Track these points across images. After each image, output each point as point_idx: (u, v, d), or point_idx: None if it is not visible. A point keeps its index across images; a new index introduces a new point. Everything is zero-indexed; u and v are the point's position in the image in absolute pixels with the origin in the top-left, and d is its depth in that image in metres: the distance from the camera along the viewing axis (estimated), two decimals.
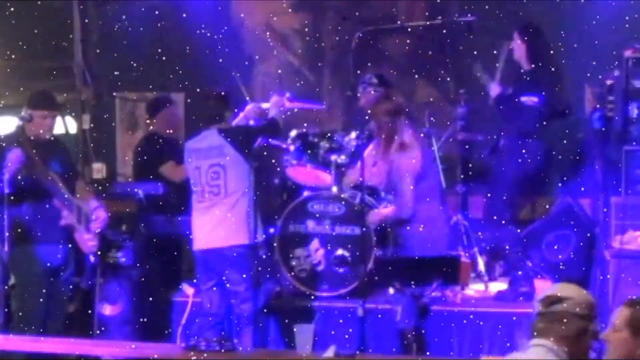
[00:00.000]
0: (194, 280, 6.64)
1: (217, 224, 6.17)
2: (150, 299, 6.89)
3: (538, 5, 7.87)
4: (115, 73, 8.79)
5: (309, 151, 7.01)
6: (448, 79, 8.45)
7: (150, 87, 8.62)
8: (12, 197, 6.08)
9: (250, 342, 6.10)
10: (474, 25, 7.28)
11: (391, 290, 6.38)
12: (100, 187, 7.77)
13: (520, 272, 6.70)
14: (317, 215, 6.73)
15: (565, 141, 7.14)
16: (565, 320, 3.57)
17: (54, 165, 6.38)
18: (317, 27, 9.03)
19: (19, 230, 6.24)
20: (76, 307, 6.95)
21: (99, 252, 6.51)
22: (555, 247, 7.07)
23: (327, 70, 8.95)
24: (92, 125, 8.76)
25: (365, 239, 6.48)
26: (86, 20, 8.92)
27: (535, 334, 3.61)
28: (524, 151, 6.54)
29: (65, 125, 8.10)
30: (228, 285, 6.20)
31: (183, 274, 7.26)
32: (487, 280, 7.10)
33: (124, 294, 6.82)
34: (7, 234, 6.09)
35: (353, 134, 6.95)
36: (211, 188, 6.22)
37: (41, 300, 6.33)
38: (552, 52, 6.69)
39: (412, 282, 6.29)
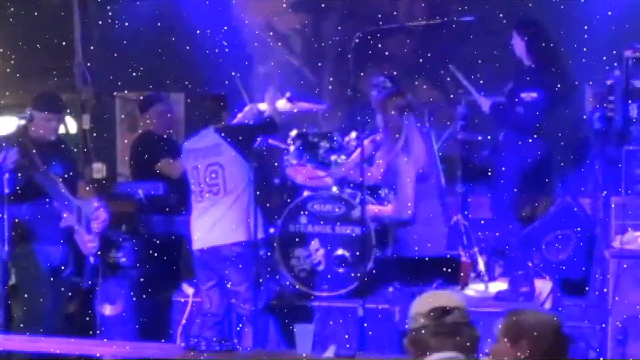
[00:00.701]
0: (194, 280, 6.64)
1: (216, 223, 6.17)
2: (150, 299, 6.89)
3: (538, 5, 7.86)
4: (115, 73, 8.78)
5: (309, 151, 7.03)
6: (448, 79, 8.44)
7: (150, 87, 8.60)
8: (12, 197, 6.07)
9: (250, 342, 6.11)
10: (474, 25, 7.29)
11: (391, 290, 6.39)
12: (100, 187, 7.75)
13: (520, 272, 6.70)
14: (317, 215, 6.74)
15: (565, 141, 7.13)
16: (458, 330, 3.47)
17: (55, 165, 6.36)
18: (317, 27, 9.03)
19: (19, 230, 6.24)
20: (76, 307, 6.95)
21: (99, 252, 6.52)
22: (556, 247, 7.07)
23: (327, 70, 8.95)
24: (92, 125, 8.73)
25: (365, 239, 6.48)
26: (86, 20, 8.91)
27: (431, 348, 3.43)
28: (523, 150, 6.55)
29: (65, 125, 8.09)
30: (228, 285, 6.20)
31: (183, 274, 7.26)
32: (487, 280, 7.10)
33: (124, 294, 6.82)
34: (7, 233, 6.08)
35: (353, 134, 6.96)
36: (210, 187, 6.22)
37: (41, 300, 6.33)
38: (553, 45, 6.68)
39: (412, 283, 6.29)
